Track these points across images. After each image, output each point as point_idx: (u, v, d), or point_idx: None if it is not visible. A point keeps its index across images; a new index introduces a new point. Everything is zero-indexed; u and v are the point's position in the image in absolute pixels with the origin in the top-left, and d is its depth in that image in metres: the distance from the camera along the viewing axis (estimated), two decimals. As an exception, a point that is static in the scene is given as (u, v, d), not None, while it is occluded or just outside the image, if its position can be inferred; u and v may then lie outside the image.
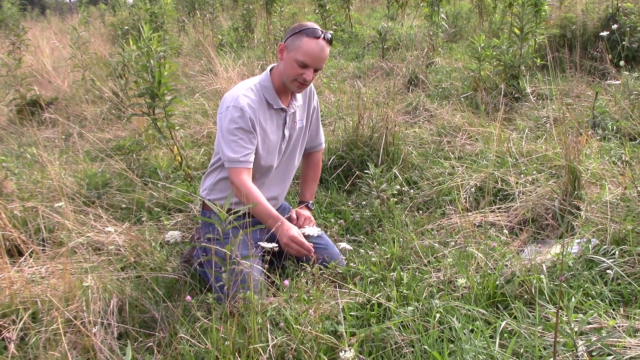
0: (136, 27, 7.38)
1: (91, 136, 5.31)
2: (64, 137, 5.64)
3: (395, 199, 3.61)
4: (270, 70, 2.87)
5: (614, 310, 2.33)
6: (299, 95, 2.94)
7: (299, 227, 2.95)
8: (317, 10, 10.36)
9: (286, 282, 2.54)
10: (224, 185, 2.87)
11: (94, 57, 7.62)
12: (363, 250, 3.06)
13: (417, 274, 2.71)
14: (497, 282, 2.49)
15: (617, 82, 5.20)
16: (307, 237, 2.75)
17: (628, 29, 5.93)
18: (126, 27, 7.55)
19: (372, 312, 2.40)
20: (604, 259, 2.57)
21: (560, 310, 2.22)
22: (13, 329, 2.35)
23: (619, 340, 2.08)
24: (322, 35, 2.68)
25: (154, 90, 4.01)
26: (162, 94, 4.02)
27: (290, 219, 2.98)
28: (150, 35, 3.98)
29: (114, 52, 7.62)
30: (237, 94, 2.73)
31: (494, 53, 5.57)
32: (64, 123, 5.83)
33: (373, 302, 2.44)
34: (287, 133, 2.89)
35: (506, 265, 2.62)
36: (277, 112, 2.84)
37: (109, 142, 5.36)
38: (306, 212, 3.06)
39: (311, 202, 3.19)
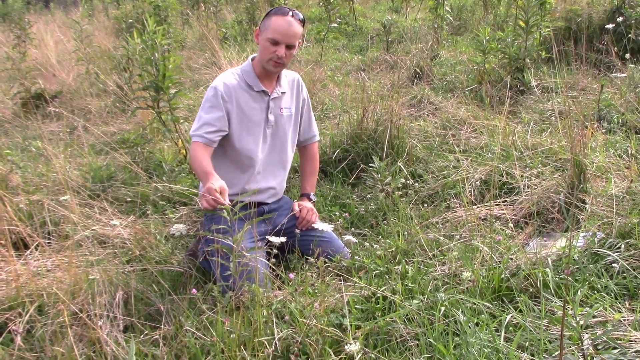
0: (140, 20, 7.37)
1: (96, 129, 5.31)
2: (68, 130, 5.64)
3: (400, 192, 3.61)
4: (252, 59, 2.97)
5: (619, 303, 2.33)
6: (284, 83, 3.02)
7: (303, 219, 2.95)
8: (320, 3, 10.32)
9: (292, 275, 2.55)
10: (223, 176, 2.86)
11: (98, 50, 7.62)
12: (368, 244, 3.06)
13: (422, 267, 2.72)
14: (503, 276, 2.49)
15: (623, 75, 5.18)
16: (316, 230, 2.78)
17: (634, 21, 5.88)
18: (130, 20, 7.53)
19: (377, 306, 2.40)
20: (609, 253, 2.57)
21: (565, 304, 2.22)
22: (19, 322, 2.36)
23: (625, 333, 2.08)
24: (290, 13, 2.80)
25: (158, 84, 4.01)
26: (166, 87, 4.02)
27: (294, 214, 2.99)
28: (154, 28, 3.98)
29: (118, 46, 7.61)
30: (219, 77, 2.91)
31: (499, 46, 5.55)
32: (68, 116, 5.83)
33: (378, 295, 2.44)
34: (271, 118, 2.94)
35: (511, 259, 2.62)
36: (259, 95, 2.92)
37: (114, 135, 5.36)
38: (308, 204, 3.07)
39: (312, 194, 3.20)
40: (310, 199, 3.17)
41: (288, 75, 3.09)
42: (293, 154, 3.16)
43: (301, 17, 2.85)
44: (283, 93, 3.00)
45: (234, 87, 2.84)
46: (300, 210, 3.01)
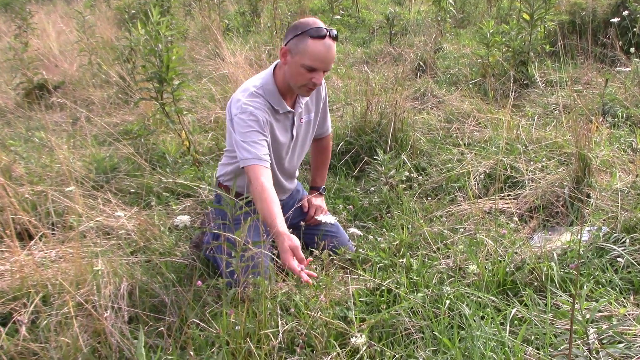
0: (143, 11, 7.33)
1: (99, 120, 5.30)
2: (71, 121, 5.63)
3: (404, 185, 3.60)
4: (274, 68, 2.71)
5: (624, 298, 2.33)
6: None
7: (311, 217, 2.93)
8: (323, -5, 10.30)
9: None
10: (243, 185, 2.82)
11: (101, 41, 7.60)
12: (372, 237, 3.06)
13: (426, 260, 2.71)
14: (507, 269, 2.49)
15: (628, 69, 5.17)
16: (323, 224, 2.77)
17: (639, 15, 5.86)
18: (133, 11, 7.50)
19: (382, 298, 2.40)
20: (614, 247, 2.57)
21: (571, 298, 2.22)
22: (24, 312, 2.37)
23: (630, 328, 2.08)
24: (328, 33, 2.48)
25: (161, 75, 3.99)
26: (170, 78, 4.00)
27: (302, 208, 2.98)
28: (158, 19, 3.96)
29: (120, 36, 7.59)
30: (244, 100, 2.59)
31: (503, 39, 5.53)
32: (71, 107, 5.83)
33: (383, 288, 2.44)
34: (295, 132, 2.81)
35: (516, 253, 2.62)
36: (284, 115, 2.73)
37: (117, 126, 5.35)
38: (318, 201, 3.05)
39: (323, 187, 3.18)
40: (320, 193, 3.15)
41: None
42: (306, 153, 3.07)
43: (335, 33, 2.52)
44: (305, 103, 2.84)
45: (266, 114, 2.60)
46: (309, 207, 2.98)
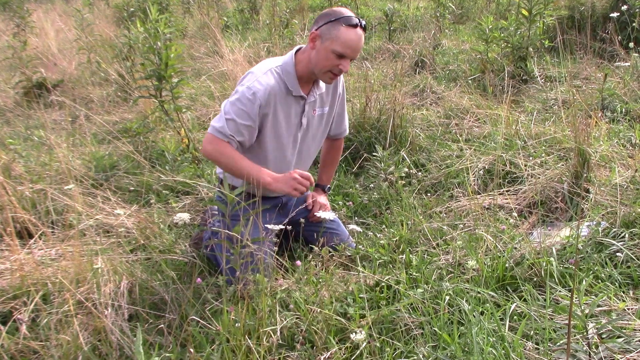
0: (141, 9, 7.34)
1: (98, 119, 5.30)
2: (70, 119, 5.63)
3: (403, 182, 3.60)
4: (296, 52, 2.71)
5: (623, 293, 2.34)
6: (322, 83, 2.79)
7: (313, 214, 2.92)
8: (322, -9, 10.28)
9: (298, 262, 2.55)
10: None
11: (99, 39, 7.59)
12: (372, 233, 3.06)
13: (426, 256, 2.72)
14: (507, 265, 2.50)
15: (627, 64, 5.17)
16: (324, 220, 2.77)
17: (638, 10, 5.85)
18: (131, 9, 7.50)
19: (382, 295, 2.41)
20: (613, 242, 2.57)
21: (572, 293, 2.23)
22: (24, 311, 2.37)
23: (629, 322, 2.09)
24: (359, 23, 2.54)
25: (160, 73, 3.98)
26: (169, 76, 4.00)
27: (306, 206, 2.97)
28: (157, 17, 3.96)
29: (119, 34, 7.59)
30: (257, 76, 2.61)
31: (502, 35, 5.53)
32: (70, 105, 5.82)
33: (382, 284, 2.44)
34: (304, 121, 2.77)
35: (515, 248, 2.62)
36: (295, 100, 2.70)
37: (116, 124, 5.35)
38: (322, 199, 3.03)
39: (328, 186, 3.17)
40: (324, 191, 3.13)
41: None
42: (318, 150, 3.04)
43: (365, 24, 2.57)
44: (319, 95, 2.81)
45: (274, 94, 2.60)
46: (313, 205, 2.98)
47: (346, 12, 2.55)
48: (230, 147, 2.58)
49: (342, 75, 2.86)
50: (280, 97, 2.63)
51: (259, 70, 2.64)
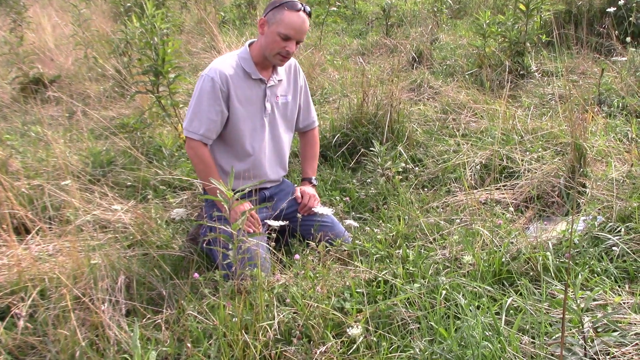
0: (138, 4, 7.31)
1: (95, 114, 5.29)
2: (67, 115, 5.62)
3: (400, 177, 3.61)
4: (250, 45, 2.91)
5: (619, 287, 2.35)
6: (280, 70, 2.97)
7: (304, 205, 2.96)
8: (319, -13, 10.26)
9: (297, 256, 2.56)
10: (221, 166, 2.91)
11: (96, 34, 7.57)
12: (369, 228, 3.06)
13: (422, 251, 2.72)
14: (503, 259, 2.50)
15: (624, 58, 5.17)
16: (318, 215, 2.78)
17: (635, 4, 5.86)
18: (128, 4, 7.47)
19: (379, 289, 2.41)
20: (609, 236, 2.58)
21: (567, 287, 2.23)
22: (22, 306, 2.37)
23: (625, 316, 2.10)
24: (302, 8, 2.74)
25: (157, 68, 3.99)
26: (166, 71, 4.00)
27: (295, 199, 3.00)
28: (153, 12, 3.96)
29: (116, 30, 7.57)
30: (214, 64, 2.82)
31: (499, 30, 5.53)
32: (67, 101, 5.81)
33: (379, 279, 2.45)
34: (268, 106, 2.91)
35: (512, 243, 2.63)
36: (256, 83, 2.87)
37: (113, 120, 5.34)
38: (310, 190, 3.08)
39: (314, 177, 3.20)
40: (311, 183, 3.17)
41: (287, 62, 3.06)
42: (290, 140, 3.14)
43: (309, 10, 2.80)
44: (280, 81, 2.96)
45: (231, 76, 2.78)
46: (302, 196, 3.01)
47: (294, 1, 2.75)
48: (208, 153, 2.82)
49: (299, 68, 3.10)
50: (238, 78, 2.82)
51: (214, 61, 2.88)
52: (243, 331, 2.10)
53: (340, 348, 2.09)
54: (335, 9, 8.76)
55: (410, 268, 2.54)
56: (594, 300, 2.22)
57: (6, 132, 5.01)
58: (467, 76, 5.50)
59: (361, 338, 2.10)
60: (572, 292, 1.97)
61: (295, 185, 3.20)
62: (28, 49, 7.14)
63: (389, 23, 7.90)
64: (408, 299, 2.33)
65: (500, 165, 3.58)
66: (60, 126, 5.26)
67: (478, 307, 2.24)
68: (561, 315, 2.13)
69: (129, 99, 5.57)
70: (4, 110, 6.01)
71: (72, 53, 7.66)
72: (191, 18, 9.85)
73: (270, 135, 2.96)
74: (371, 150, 3.74)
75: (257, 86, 2.87)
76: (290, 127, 3.10)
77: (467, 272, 2.49)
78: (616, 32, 5.73)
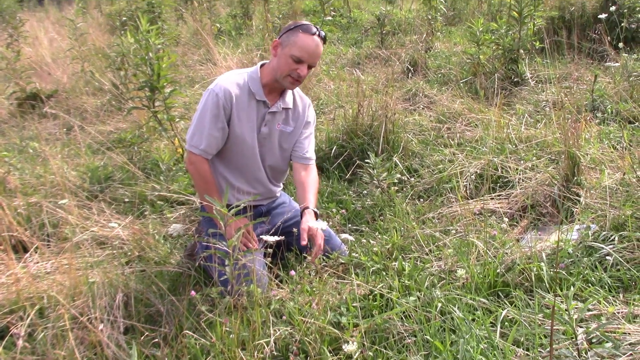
0: (134, 18, 7.35)
1: (92, 129, 5.32)
2: (65, 129, 5.65)
3: (396, 188, 3.63)
4: (261, 66, 2.91)
5: (613, 296, 2.36)
6: (289, 99, 2.94)
7: (315, 255, 2.67)
8: (314, -4, 10.30)
9: (293, 272, 2.57)
10: (221, 179, 2.92)
11: (93, 48, 7.61)
12: (365, 240, 3.08)
13: (418, 263, 2.74)
14: (498, 271, 2.52)
15: (617, 64, 5.20)
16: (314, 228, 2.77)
17: (626, 10, 5.90)
18: (124, 18, 7.52)
19: (375, 303, 2.43)
20: (603, 246, 2.59)
21: (559, 298, 2.25)
22: (20, 325, 2.39)
23: (619, 326, 2.11)
24: (317, 32, 2.74)
25: (153, 83, 4.01)
26: (161, 86, 4.03)
27: (295, 215, 2.97)
28: (148, 27, 3.98)
29: (112, 44, 7.61)
30: (221, 80, 2.81)
31: (493, 37, 5.56)
32: (64, 117, 5.84)
33: (375, 292, 2.47)
34: (264, 130, 2.87)
35: (506, 254, 2.64)
36: (257, 104, 2.85)
37: (110, 134, 5.37)
38: (314, 224, 2.76)
39: (316, 211, 2.92)
40: (315, 214, 2.89)
41: (300, 96, 3.04)
42: (287, 160, 3.06)
43: (324, 35, 2.81)
44: (285, 109, 2.93)
45: (236, 94, 2.77)
46: (310, 238, 2.72)
47: (307, 22, 2.80)
48: (208, 168, 2.81)
49: (311, 104, 3.07)
50: (242, 96, 2.81)
51: (222, 76, 2.87)
52: (240, 348, 2.12)
53: (337, 363, 2.10)
54: (330, 18, 8.80)
55: (406, 281, 2.56)
56: (588, 310, 2.23)
57: (4, 148, 5.03)
58: (461, 84, 5.53)
59: (357, 354, 2.12)
60: (563, 303, 1.98)
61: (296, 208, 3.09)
62: (25, 63, 7.17)
63: (383, 32, 7.94)
64: (404, 312, 2.34)
65: (494, 174, 3.60)
66: (57, 141, 5.28)
67: (473, 320, 2.25)
68: (556, 327, 2.15)
69: (126, 113, 5.60)
70: (2, 126, 6.04)
71: (69, 67, 7.70)
72: (187, 30, 9.89)
73: (266, 155, 2.95)
74: (367, 162, 3.76)
75: (258, 107, 2.85)
76: (285, 155, 3.02)
77: (462, 284, 2.50)
78: (609, 37, 5.76)
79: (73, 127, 5.56)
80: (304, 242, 2.63)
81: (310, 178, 3.00)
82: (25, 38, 8.36)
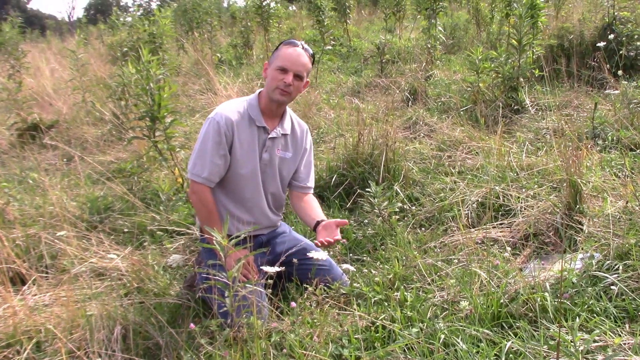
0: (135, 48, 7.40)
1: (92, 160, 5.31)
2: (65, 160, 5.65)
3: (397, 217, 3.60)
4: (259, 93, 2.96)
5: (619, 327, 2.32)
6: (287, 126, 2.96)
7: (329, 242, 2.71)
8: (314, 25, 10.41)
9: (293, 304, 2.53)
10: (221, 208, 2.90)
11: (94, 79, 7.66)
12: (366, 270, 3.05)
13: (420, 293, 2.71)
14: (501, 301, 2.48)
15: (616, 91, 5.21)
16: (314, 259, 2.74)
17: (625, 37, 5.94)
18: (125, 49, 7.58)
19: (377, 335, 2.39)
20: (607, 275, 2.56)
21: (565, 329, 2.21)
22: (17, 360, 2.35)
23: (626, 358, 2.07)
24: (301, 45, 2.84)
25: (154, 113, 4.02)
26: (162, 116, 4.03)
27: (295, 245, 2.95)
28: (149, 58, 4.00)
29: (113, 74, 7.66)
30: (221, 108, 2.85)
31: (492, 65, 5.58)
32: (64, 148, 5.85)
33: (378, 324, 2.43)
34: (265, 156, 2.90)
35: (510, 283, 2.61)
36: (258, 130, 2.87)
37: (110, 164, 5.37)
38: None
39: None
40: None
41: (298, 122, 3.06)
42: (286, 188, 3.09)
43: (311, 52, 2.88)
44: (284, 135, 2.96)
45: (236, 121, 2.79)
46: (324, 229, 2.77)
47: (293, 40, 2.89)
48: (210, 197, 2.81)
49: (309, 133, 3.12)
50: (242, 124, 2.84)
51: (222, 104, 2.92)
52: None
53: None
54: (330, 47, 8.87)
55: (409, 312, 2.52)
56: (594, 341, 2.19)
57: (4, 179, 5.02)
58: (461, 112, 5.53)
59: (359, 387, 2.08)
60: (568, 334, 1.95)
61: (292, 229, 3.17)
62: (27, 94, 7.22)
63: (383, 60, 7.99)
64: (407, 344, 2.30)
65: (496, 203, 3.57)
66: (57, 172, 5.28)
67: (477, 352, 2.21)
68: (561, 359, 2.11)
69: (126, 143, 5.60)
70: (2, 157, 6.04)
71: (70, 97, 7.74)
72: (188, 60, 9.97)
73: (268, 182, 2.95)
74: (367, 191, 3.75)
75: (259, 133, 2.88)
76: (284, 181, 3.04)
77: (466, 315, 2.46)
78: (607, 65, 5.79)
79: (73, 157, 5.56)
80: (337, 237, 2.67)
81: (314, 201, 3.10)
82: (27, 69, 8.43)
